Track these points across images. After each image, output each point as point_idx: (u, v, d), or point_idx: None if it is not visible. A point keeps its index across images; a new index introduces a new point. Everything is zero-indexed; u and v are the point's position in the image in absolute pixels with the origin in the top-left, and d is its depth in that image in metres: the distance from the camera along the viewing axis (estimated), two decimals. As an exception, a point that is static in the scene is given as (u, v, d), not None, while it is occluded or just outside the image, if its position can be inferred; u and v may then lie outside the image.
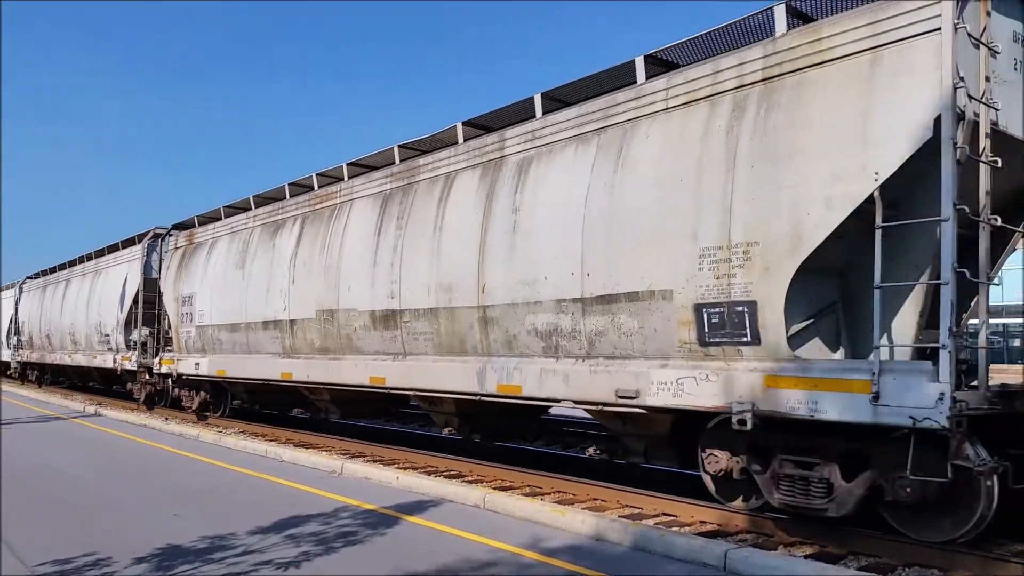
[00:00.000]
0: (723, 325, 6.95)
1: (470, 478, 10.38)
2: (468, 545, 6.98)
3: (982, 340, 6.27)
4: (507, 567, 6.30)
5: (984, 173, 6.21)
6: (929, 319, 6.44)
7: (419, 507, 8.55)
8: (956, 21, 5.84)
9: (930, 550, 6.50)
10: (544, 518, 7.77)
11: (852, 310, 7.09)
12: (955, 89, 5.78)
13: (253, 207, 15.66)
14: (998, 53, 6.30)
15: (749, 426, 6.67)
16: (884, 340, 6.43)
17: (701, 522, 7.89)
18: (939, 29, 5.86)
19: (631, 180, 7.84)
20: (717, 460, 7.35)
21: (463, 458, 11.35)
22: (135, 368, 20.13)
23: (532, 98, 9.44)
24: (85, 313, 23.66)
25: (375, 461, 11.79)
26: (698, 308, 7.11)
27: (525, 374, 8.96)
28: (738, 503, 7.71)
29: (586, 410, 8.84)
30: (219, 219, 17.08)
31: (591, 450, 9.76)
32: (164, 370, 18.48)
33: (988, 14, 6.19)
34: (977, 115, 6.05)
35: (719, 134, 7.13)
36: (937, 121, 5.83)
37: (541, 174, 8.96)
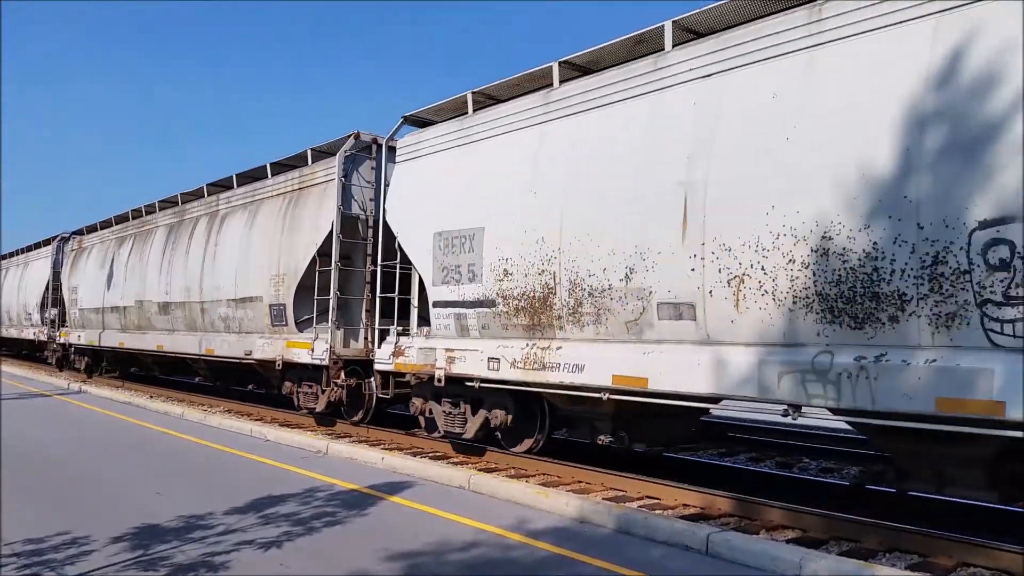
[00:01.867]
0: (278, 316, 13.31)
1: (455, 460, 10.37)
2: (451, 526, 6.97)
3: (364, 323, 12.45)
4: (490, 548, 6.29)
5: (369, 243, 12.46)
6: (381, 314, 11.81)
7: (403, 487, 8.53)
8: (341, 178, 12.31)
9: (911, 536, 6.56)
10: (528, 500, 7.76)
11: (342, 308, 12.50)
12: (338, 207, 12.25)
13: (114, 223, 22.06)
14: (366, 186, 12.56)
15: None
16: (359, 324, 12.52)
17: (684, 505, 7.91)
18: (334, 179, 12.38)
19: (256, 233, 14.33)
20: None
21: (376, 427, 11.41)
22: (47, 339, 26.65)
23: (230, 176, 16.26)
24: (16, 296, 30.02)
25: (361, 442, 11.77)
26: (270, 306, 13.62)
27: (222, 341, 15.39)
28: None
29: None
30: (96, 230, 23.37)
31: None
32: (62, 341, 24.72)
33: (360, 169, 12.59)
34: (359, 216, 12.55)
35: (279, 214, 13.74)
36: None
37: (230, 224, 15.45)
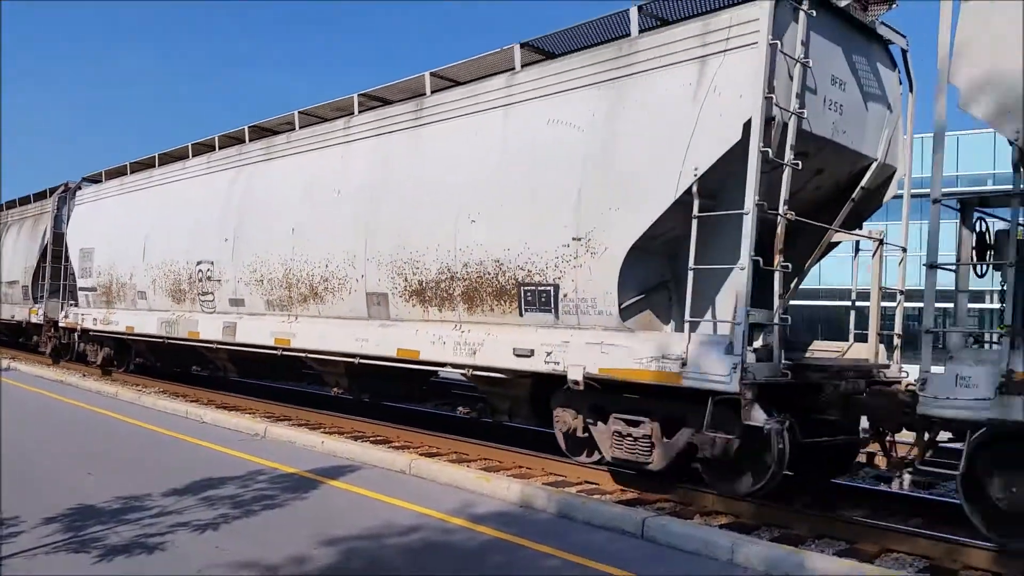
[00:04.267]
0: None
1: (397, 444, 10.36)
2: (392, 510, 6.97)
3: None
4: (431, 532, 6.32)
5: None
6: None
7: (343, 471, 8.48)
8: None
9: (839, 523, 6.84)
10: (470, 484, 7.80)
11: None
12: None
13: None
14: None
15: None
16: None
17: (622, 490, 8.05)
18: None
19: None
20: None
21: (390, 424, 11.31)
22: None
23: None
24: None
25: (300, 425, 11.65)
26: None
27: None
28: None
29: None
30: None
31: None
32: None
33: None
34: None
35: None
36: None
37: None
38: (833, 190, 8.03)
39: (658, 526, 6.30)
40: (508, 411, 9.25)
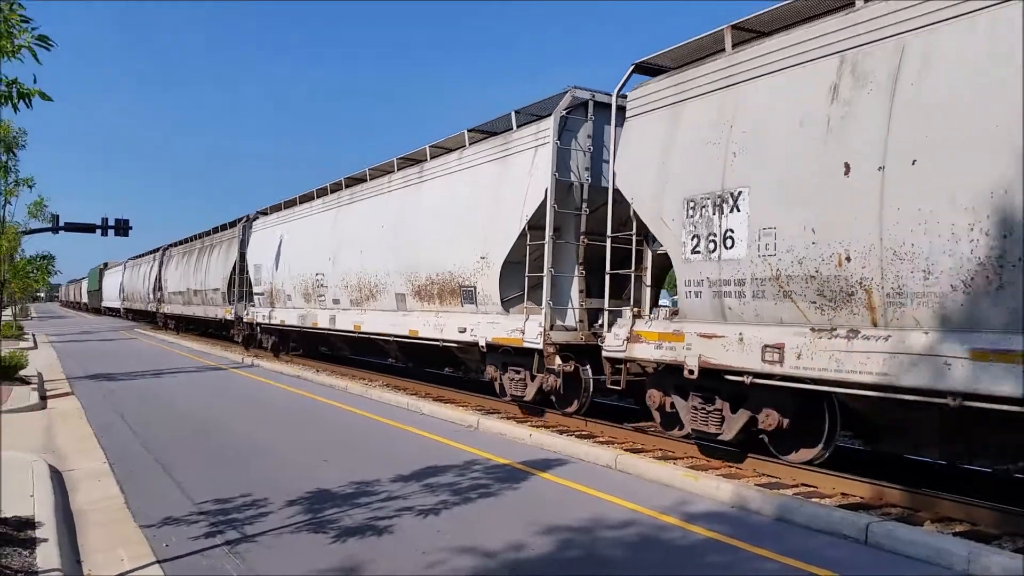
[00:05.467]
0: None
1: (602, 439, 10.45)
2: (602, 504, 7.07)
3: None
4: (644, 527, 6.34)
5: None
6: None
7: (551, 464, 8.71)
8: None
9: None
10: (677, 482, 7.74)
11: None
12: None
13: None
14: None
15: None
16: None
17: (843, 494, 7.63)
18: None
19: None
20: None
21: (595, 420, 11.42)
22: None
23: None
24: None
25: (509, 418, 12.06)
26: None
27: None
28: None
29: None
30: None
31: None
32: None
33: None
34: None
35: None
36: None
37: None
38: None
39: (884, 532, 5.94)
40: (475, 369, 14.12)
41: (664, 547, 5.90)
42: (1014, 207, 5.76)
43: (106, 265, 69.50)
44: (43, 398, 13.60)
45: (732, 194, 8.08)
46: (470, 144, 13.39)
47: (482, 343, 12.31)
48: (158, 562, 5.38)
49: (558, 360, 10.89)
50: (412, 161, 15.58)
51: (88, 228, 26.69)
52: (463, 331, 12.79)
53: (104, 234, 27.81)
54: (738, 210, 8.00)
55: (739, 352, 7.97)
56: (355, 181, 18.17)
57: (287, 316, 21.40)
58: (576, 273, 11.25)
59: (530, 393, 11.85)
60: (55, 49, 4.83)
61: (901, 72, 6.61)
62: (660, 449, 9.71)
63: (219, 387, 16.28)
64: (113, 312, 64.29)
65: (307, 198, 21.08)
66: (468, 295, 12.76)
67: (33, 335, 33.29)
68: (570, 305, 11.32)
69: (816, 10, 7.76)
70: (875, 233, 6.67)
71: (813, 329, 7.29)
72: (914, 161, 6.41)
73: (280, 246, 22.02)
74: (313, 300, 19.57)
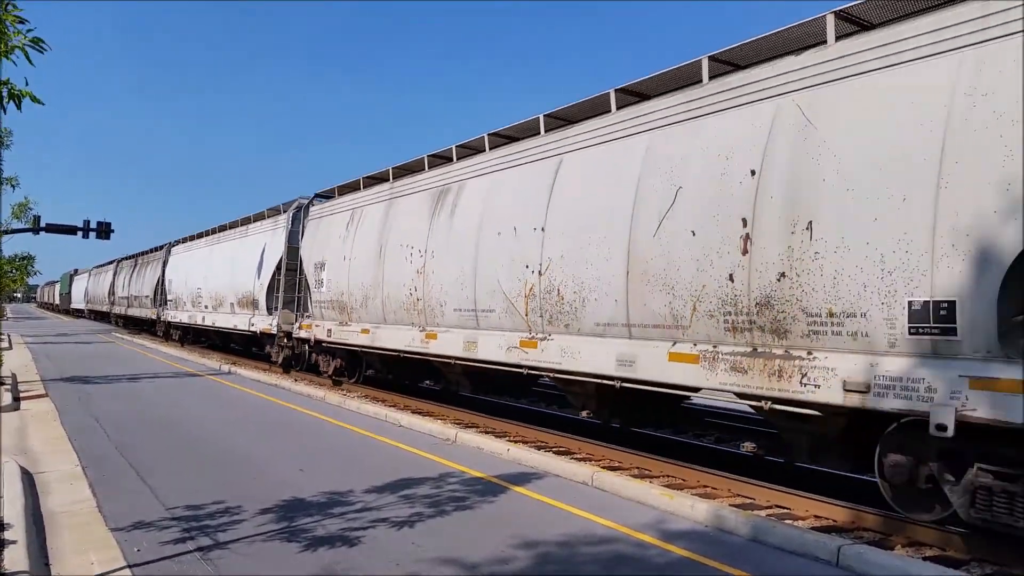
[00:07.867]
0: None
1: (579, 455, 10.46)
2: (578, 520, 7.08)
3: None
4: (622, 545, 6.35)
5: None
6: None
7: (528, 479, 8.71)
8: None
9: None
10: (652, 500, 7.76)
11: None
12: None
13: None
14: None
15: None
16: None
17: (815, 516, 7.69)
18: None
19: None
20: None
21: (573, 435, 11.44)
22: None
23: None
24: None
25: (487, 432, 12.05)
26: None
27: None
28: None
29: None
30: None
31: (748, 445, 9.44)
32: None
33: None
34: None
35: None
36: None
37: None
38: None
39: (854, 555, 5.99)
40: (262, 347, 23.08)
41: (641, 565, 5.91)
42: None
43: (76, 271, 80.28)
44: (16, 399, 13.45)
45: (323, 264, 17.20)
46: (255, 220, 24.33)
47: (257, 331, 22.11)
48: (129, 566, 5.35)
49: (286, 340, 20.30)
50: (233, 226, 26.61)
51: (70, 230, 26.56)
52: (252, 324, 22.60)
53: (86, 236, 27.68)
54: (325, 270, 17.09)
55: (341, 333, 16.47)
56: (219, 229, 28.19)
57: (183, 316, 30.99)
58: (293, 294, 19.97)
59: (279, 359, 20.46)
60: (48, 51, 4.80)
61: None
62: (637, 468, 9.74)
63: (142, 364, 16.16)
64: (78, 313, 74.03)
65: (196, 237, 31.63)
66: (254, 303, 22.55)
67: (8, 336, 32.90)
68: (291, 309, 20.07)
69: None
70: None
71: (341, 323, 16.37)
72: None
73: (185, 268, 31.12)
74: (200, 306, 28.39)
